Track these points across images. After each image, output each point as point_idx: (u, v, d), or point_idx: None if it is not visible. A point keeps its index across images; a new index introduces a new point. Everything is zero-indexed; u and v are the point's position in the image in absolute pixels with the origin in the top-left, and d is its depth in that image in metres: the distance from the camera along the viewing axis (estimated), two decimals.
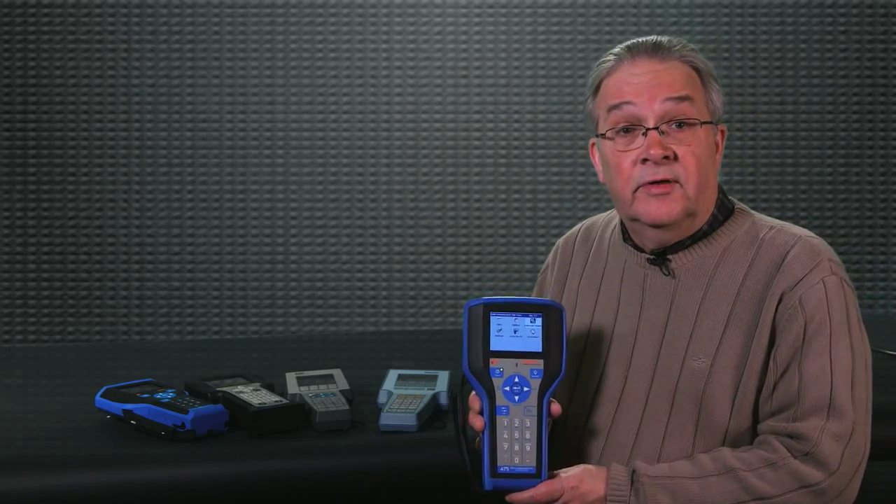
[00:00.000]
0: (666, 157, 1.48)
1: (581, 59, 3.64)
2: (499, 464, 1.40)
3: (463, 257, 3.65)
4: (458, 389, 1.49)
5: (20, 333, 3.57)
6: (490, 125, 3.65)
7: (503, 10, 3.63)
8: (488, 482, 1.40)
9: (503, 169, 3.66)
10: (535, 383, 1.42)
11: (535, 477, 1.39)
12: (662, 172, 1.49)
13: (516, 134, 3.65)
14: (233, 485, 1.66)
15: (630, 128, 1.52)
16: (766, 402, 1.47)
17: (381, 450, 1.72)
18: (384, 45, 3.62)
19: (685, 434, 1.50)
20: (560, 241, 1.75)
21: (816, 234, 1.55)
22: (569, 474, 1.43)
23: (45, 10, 3.54)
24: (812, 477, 1.40)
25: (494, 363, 1.42)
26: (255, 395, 1.80)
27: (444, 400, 1.88)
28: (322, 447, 1.72)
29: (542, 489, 1.40)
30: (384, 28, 3.62)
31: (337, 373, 1.99)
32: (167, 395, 1.79)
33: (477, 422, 1.44)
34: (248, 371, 1.97)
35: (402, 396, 1.83)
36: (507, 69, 3.64)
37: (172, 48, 3.58)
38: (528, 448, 1.40)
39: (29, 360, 2.40)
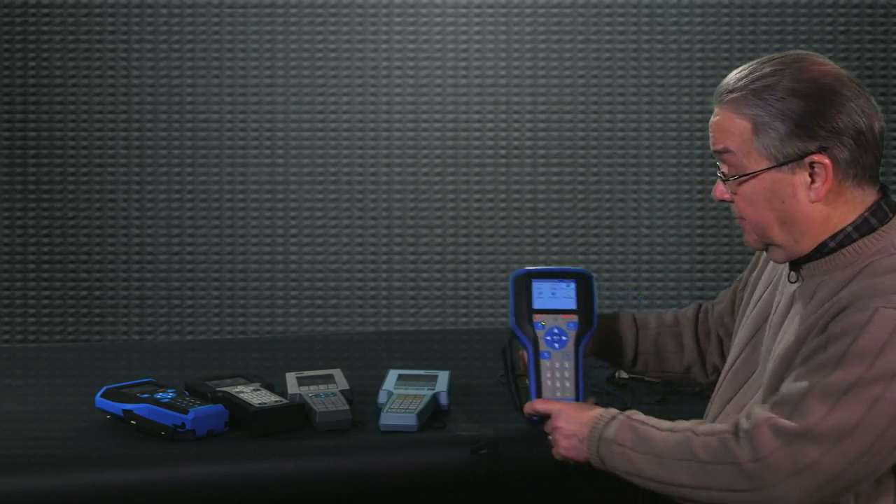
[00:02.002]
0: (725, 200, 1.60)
1: (581, 59, 3.64)
2: (543, 396, 1.69)
3: (463, 257, 3.65)
4: (508, 343, 1.77)
5: (20, 333, 3.57)
6: (490, 125, 3.65)
7: (503, 10, 3.63)
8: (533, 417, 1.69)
9: (503, 169, 3.66)
10: (572, 333, 1.72)
11: None
12: (733, 210, 1.61)
13: (516, 134, 3.65)
14: (233, 485, 1.66)
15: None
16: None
17: (381, 450, 1.73)
18: (384, 45, 3.62)
19: None
20: None
21: None
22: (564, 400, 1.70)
23: (45, 10, 3.54)
24: (739, 454, 1.45)
25: (537, 318, 1.72)
26: (255, 395, 1.80)
27: (444, 400, 1.88)
28: (322, 447, 1.73)
29: (542, 404, 1.67)
30: (384, 28, 3.62)
31: (337, 373, 1.99)
32: (167, 395, 1.79)
33: (523, 364, 1.75)
34: (248, 371, 1.97)
35: (402, 396, 1.83)
36: (507, 69, 3.64)
37: (172, 48, 3.58)
38: (567, 385, 1.70)
39: (29, 360, 2.40)
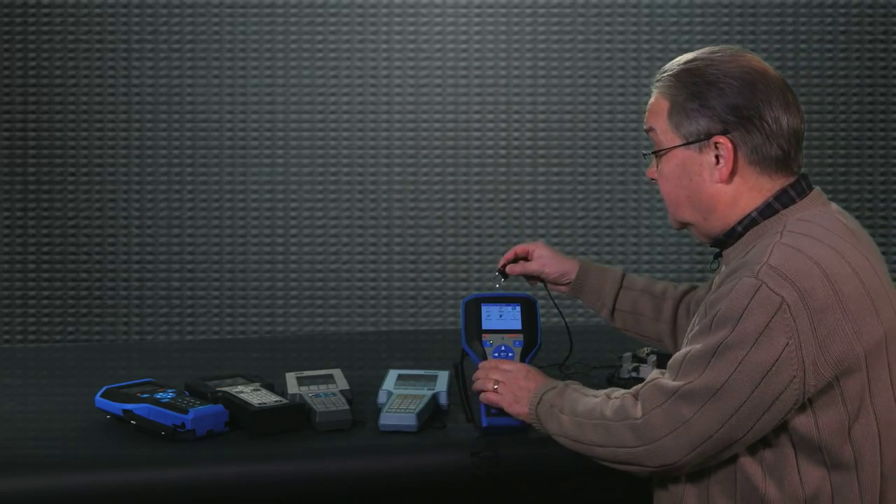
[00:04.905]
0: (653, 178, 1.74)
1: (581, 59, 3.64)
2: (492, 408, 1.76)
3: (463, 257, 3.65)
4: (459, 361, 1.86)
5: (20, 333, 3.58)
6: (490, 125, 3.65)
7: (503, 10, 3.63)
8: (484, 420, 1.75)
9: (503, 169, 3.66)
10: (518, 350, 1.85)
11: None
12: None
13: (516, 134, 3.65)
14: (233, 485, 1.66)
15: None
16: None
17: (380, 450, 1.73)
18: (384, 45, 3.62)
19: None
20: None
21: None
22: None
23: (45, 10, 3.54)
24: (633, 412, 1.57)
25: (486, 338, 1.86)
26: (255, 395, 1.80)
27: (443, 400, 1.88)
28: (322, 447, 1.73)
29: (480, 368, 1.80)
30: (384, 28, 3.62)
31: (337, 373, 1.99)
32: (167, 395, 1.79)
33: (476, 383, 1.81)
34: (248, 371, 1.97)
35: (401, 396, 1.83)
36: (507, 69, 3.64)
37: (172, 48, 3.59)
38: None
39: (29, 360, 2.40)
